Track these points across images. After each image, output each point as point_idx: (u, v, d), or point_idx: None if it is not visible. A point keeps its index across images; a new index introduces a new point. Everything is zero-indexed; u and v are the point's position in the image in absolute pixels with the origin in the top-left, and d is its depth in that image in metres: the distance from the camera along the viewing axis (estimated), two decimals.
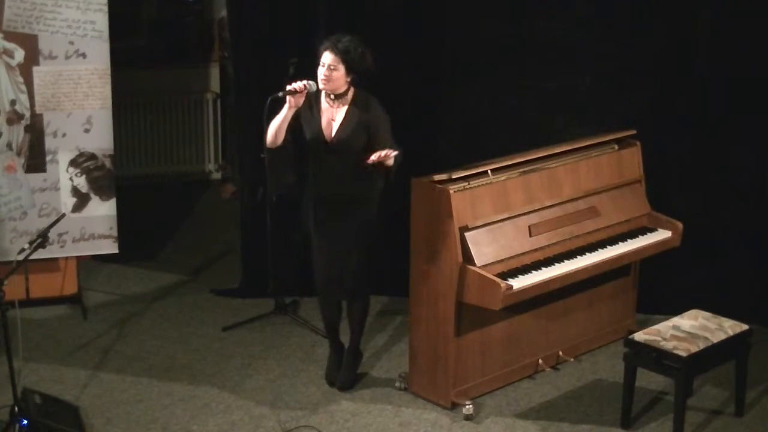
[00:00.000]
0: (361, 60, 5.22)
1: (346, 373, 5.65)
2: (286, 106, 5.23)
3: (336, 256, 5.40)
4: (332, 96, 5.28)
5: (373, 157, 5.07)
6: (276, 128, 5.27)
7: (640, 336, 5.13)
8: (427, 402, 5.46)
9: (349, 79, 5.25)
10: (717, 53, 6.14)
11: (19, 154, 6.20)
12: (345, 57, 5.18)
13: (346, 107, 5.29)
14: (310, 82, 5.23)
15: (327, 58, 5.20)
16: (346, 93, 5.28)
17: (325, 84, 5.23)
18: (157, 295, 6.78)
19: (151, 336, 6.21)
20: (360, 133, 5.27)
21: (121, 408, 5.39)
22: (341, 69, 5.20)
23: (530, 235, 5.42)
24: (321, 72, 5.21)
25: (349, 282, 5.44)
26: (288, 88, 5.21)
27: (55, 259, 6.46)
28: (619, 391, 5.27)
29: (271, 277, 6.24)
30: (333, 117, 5.31)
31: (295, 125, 5.31)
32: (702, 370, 5.18)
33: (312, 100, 5.33)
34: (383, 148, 5.13)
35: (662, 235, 5.88)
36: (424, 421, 5.32)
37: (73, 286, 6.57)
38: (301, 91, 5.20)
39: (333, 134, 5.29)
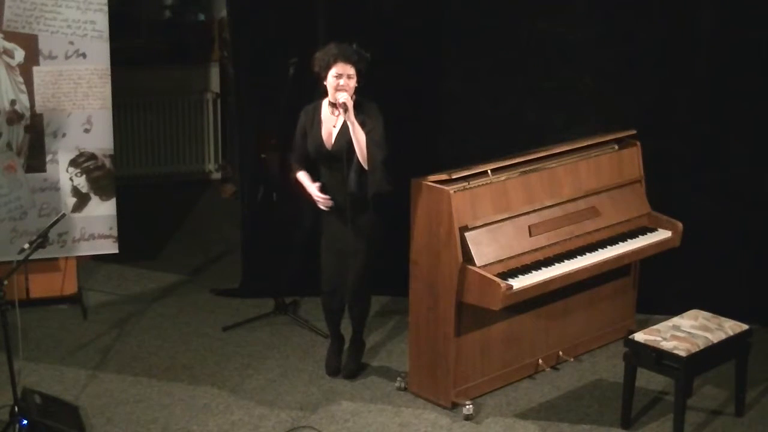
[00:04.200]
0: (366, 64, 5.25)
1: (351, 363, 5.71)
2: (312, 193, 5.39)
3: (341, 258, 5.45)
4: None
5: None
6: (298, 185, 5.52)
7: (640, 336, 5.13)
8: (427, 402, 5.46)
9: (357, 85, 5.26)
10: (717, 53, 6.14)
11: (19, 154, 6.20)
12: (358, 64, 5.21)
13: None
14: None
15: (344, 68, 5.19)
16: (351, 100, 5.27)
17: (345, 94, 5.19)
18: (157, 295, 6.78)
19: (151, 336, 6.21)
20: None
21: (121, 408, 5.39)
22: (354, 76, 5.22)
23: (530, 235, 5.42)
24: (337, 83, 5.19)
25: (352, 283, 5.48)
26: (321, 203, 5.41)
27: (55, 259, 6.46)
28: (619, 391, 5.27)
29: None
30: (333, 125, 5.33)
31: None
32: (702, 370, 5.18)
33: (313, 113, 5.38)
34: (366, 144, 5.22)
35: (662, 235, 5.88)
36: (424, 421, 5.32)
37: (73, 286, 6.57)
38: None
39: (332, 142, 5.32)
